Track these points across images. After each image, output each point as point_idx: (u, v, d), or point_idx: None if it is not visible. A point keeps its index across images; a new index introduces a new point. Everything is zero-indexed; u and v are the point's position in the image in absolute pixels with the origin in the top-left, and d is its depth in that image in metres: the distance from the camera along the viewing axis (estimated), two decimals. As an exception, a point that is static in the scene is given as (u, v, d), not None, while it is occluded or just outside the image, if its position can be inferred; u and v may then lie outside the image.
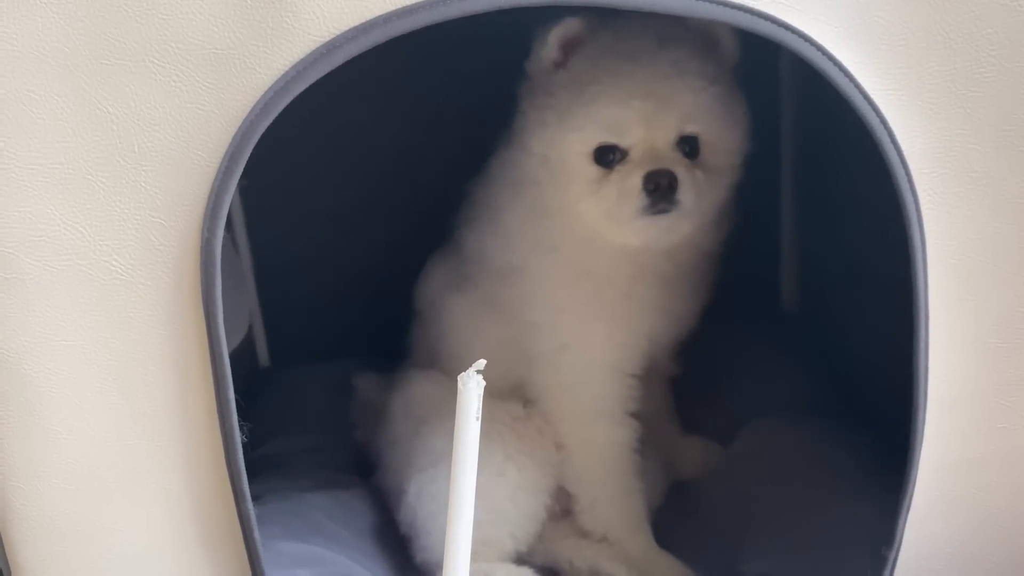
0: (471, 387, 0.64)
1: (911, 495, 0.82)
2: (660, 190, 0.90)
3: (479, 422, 0.65)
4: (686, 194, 0.91)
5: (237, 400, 0.80)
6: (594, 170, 0.93)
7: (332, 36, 0.73)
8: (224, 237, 1.22)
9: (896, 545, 0.83)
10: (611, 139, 0.92)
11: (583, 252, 1.00)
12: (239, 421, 0.81)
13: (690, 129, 0.92)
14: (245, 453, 1.36)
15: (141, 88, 0.74)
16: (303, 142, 1.43)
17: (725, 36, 0.93)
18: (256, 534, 0.83)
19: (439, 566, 0.88)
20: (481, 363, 0.65)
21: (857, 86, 0.75)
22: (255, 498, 1.20)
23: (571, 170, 0.94)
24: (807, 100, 1.23)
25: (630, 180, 0.91)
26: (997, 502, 0.85)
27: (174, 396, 0.80)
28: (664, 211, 0.91)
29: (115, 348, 0.79)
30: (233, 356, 1.20)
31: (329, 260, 1.53)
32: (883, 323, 0.98)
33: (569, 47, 0.93)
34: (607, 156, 0.92)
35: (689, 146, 0.93)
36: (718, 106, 0.92)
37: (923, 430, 0.80)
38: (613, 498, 1.08)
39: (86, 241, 0.77)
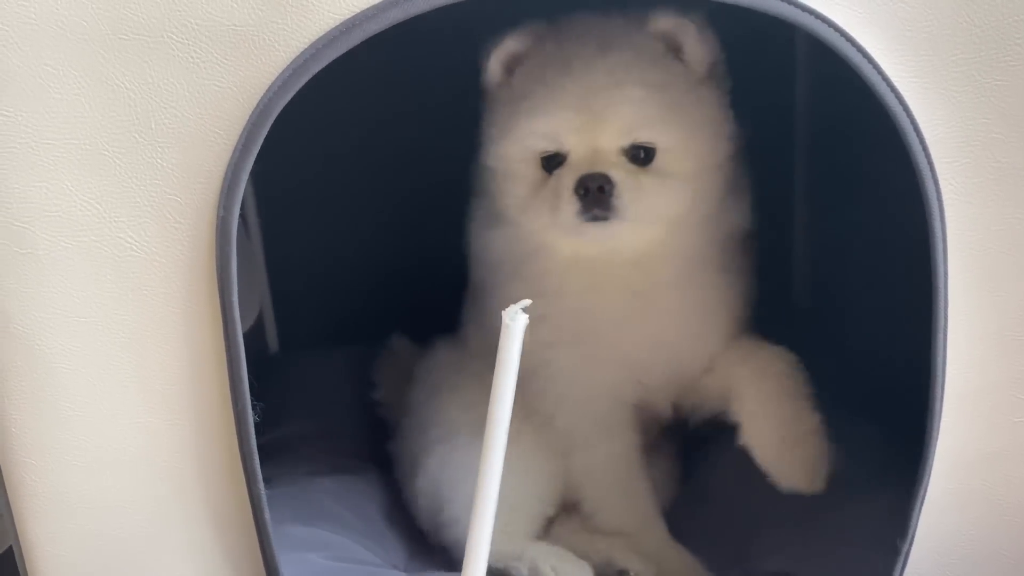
0: (516, 325, 0.61)
1: (926, 488, 0.81)
2: (591, 195, 0.88)
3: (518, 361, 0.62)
4: (624, 200, 0.88)
5: (250, 381, 0.79)
6: (534, 175, 0.93)
7: (352, 14, 0.73)
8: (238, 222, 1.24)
9: (909, 538, 0.83)
10: (550, 147, 0.92)
11: (537, 266, 0.99)
12: (252, 401, 0.80)
13: (641, 137, 0.90)
14: (256, 435, 1.38)
15: (159, 64, 0.74)
16: (316, 128, 1.43)
17: (690, 41, 0.92)
18: (267, 516, 0.82)
19: (460, 541, 0.89)
20: (526, 301, 0.62)
21: (880, 72, 0.74)
22: (264, 481, 1.22)
23: (513, 176, 0.95)
24: (823, 87, 1.22)
25: (565, 182, 0.90)
26: (1013, 496, 0.85)
27: (187, 374, 0.79)
28: (600, 218, 0.90)
29: (129, 325, 0.79)
30: (243, 341, 1.22)
31: (339, 246, 1.54)
32: (899, 315, 0.97)
33: (512, 63, 0.95)
34: (549, 162, 0.92)
35: (643, 152, 0.91)
36: (669, 113, 0.90)
37: (939, 423, 0.80)
38: (618, 502, 1.07)
39: (101, 217, 0.77)
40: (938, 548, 0.85)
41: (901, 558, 0.83)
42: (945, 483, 0.82)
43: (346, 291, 1.56)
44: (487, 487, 0.64)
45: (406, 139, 1.46)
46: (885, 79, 0.74)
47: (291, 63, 0.73)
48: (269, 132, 0.75)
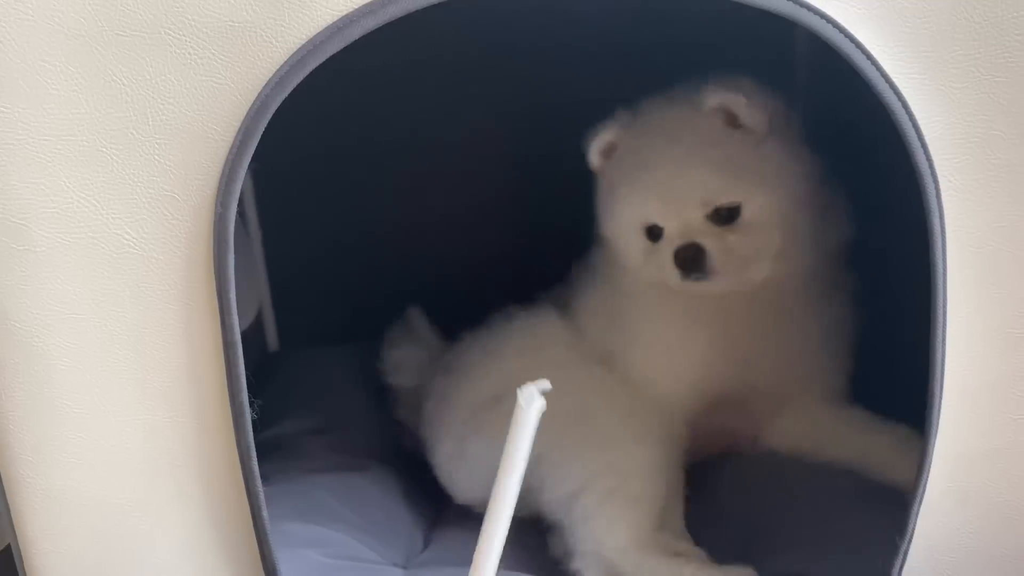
0: (531, 408, 0.60)
1: (924, 485, 0.81)
2: (688, 264, 1.02)
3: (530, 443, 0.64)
4: (718, 261, 1.02)
5: (248, 378, 0.79)
6: (643, 243, 1.08)
7: (349, 10, 0.72)
8: (235, 220, 1.23)
9: (908, 536, 0.82)
10: (649, 221, 1.06)
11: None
12: (250, 398, 0.80)
13: (721, 201, 1.02)
14: (254, 433, 1.37)
15: (156, 60, 0.73)
16: (315, 126, 1.42)
17: (743, 111, 1.02)
18: (265, 513, 0.82)
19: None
20: (545, 384, 0.63)
21: (879, 68, 0.74)
22: (263, 479, 1.21)
23: (625, 241, 1.10)
24: (822, 84, 1.22)
25: (663, 256, 1.04)
26: (1012, 494, 0.84)
27: (186, 372, 0.79)
28: (700, 278, 1.02)
29: (127, 322, 0.79)
30: (242, 340, 1.21)
31: (339, 244, 1.53)
32: (899, 313, 0.97)
33: (608, 151, 1.10)
34: (651, 232, 1.07)
35: (728, 212, 1.02)
36: (739, 177, 1.01)
37: (939, 420, 0.79)
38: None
39: (99, 214, 0.76)
40: (936, 546, 0.84)
41: (900, 556, 0.83)
42: (944, 481, 0.82)
43: (346, 289, 1.55)
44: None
45: (409, 136, 1.46)
46: (884, 76, 0.74)
47: (288, 59, 0.73)
48: (267, 127, 0.74)
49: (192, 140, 0.75)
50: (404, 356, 1.37)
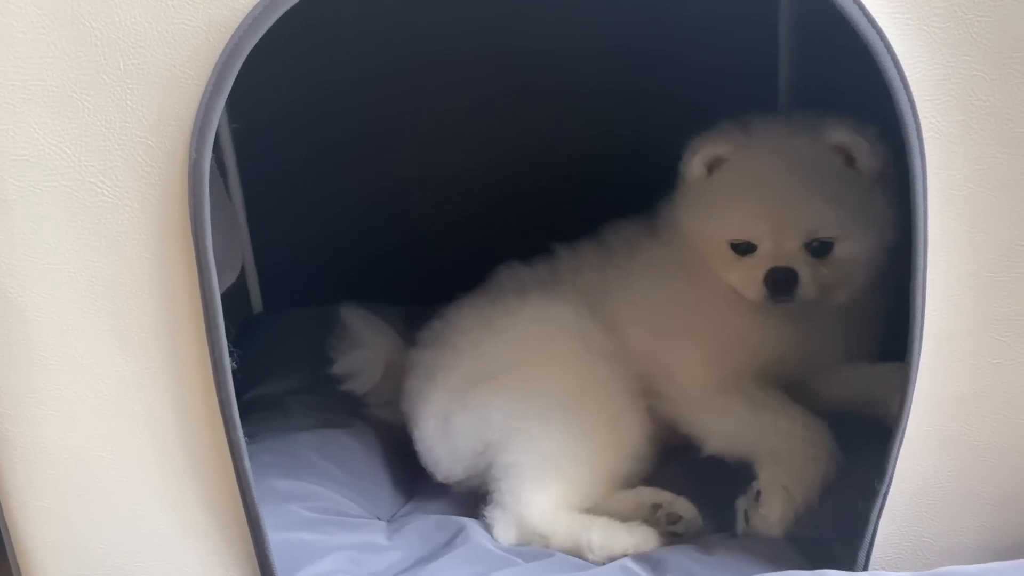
0: None
1: (904, 429, 0.79)
2: (778, 286, 1.03)
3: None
4: (805, 288, 1.03)
5: (227, 328, 0.76)
6: (729, 254, 1.08)
7: (323, -50, 0.69)
8: (216, 179, 1.19)
9: (887, 479, 0.81)
10: (740, 239, 1.06)
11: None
12: (230, 348, 0.77)
13: (822, 234, 1.03)
14: (237, 395, 1.34)
15: (126, 3, 0.70)
16: (296, 86, 1.39)
17: (863, 155, 1.03)
18: (246, 463, 0.80)
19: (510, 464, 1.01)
20: None
21: (862, 8, 0.71)
22: (248, 437, 1.18)
23: (711, 249, 1.09)
24: (806, 24, 1.19)
25: (754, 272, 1.05)
26: (990, 438, 0.83)
27: (162, 321, 0.76)
28: (783, 301, 1.04)
29: (102, 272, 0.76)
30: (226, 300, 1.18)
31: (322, 206, 1.50)
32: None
33: (713, 164, 1.09)
34: (740, 246, 1.07)
35: (820, 245, 1.04)
36: (846, 216, 1.03)
37: (918, 363, 0.78)
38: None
39: (71, 161, 0.73)
40: (916, 489, 0.83)
41: (879, 499, 0.82)
42: (925, 423, 0.80)
43: (331, 249, 1.52)
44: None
45: (392, 96, 1.42)
46: (867, 16, 0.72)
47: (260, 0, 0.70)
48: (248, 84, 0.71)
49: (164, 85, 0.71)
50: (352, 364, 1.29)
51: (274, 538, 0.94)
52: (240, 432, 0.79)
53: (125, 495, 0.81)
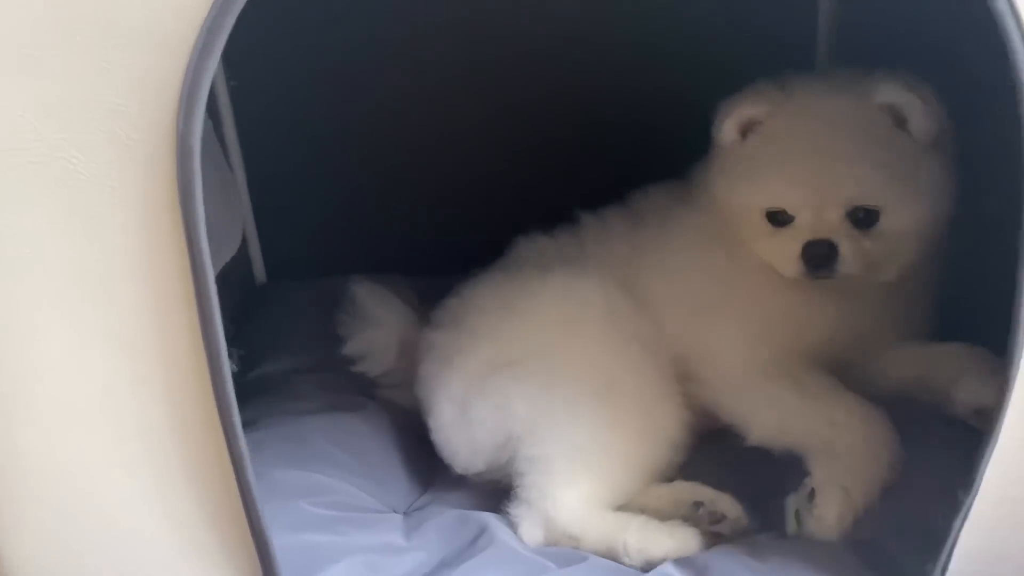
0: None
1: (998, 436, 0.69)
2: (817, 260, 0.93)
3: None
4: (847, 264, 0.93)
5: (226, 325, 0.66)
6: (765, 225, 0.98)
7: None
8: (212, 142, 1.09)
9: (974, 491, 0.71)
10: (776, 207, 0.96)
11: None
12: (229, 347, 0.67)
13: (865, 202, 0.93)
14: (239, 376, 1.25)
15: (100, -54, 0.59)
16: (300, 44, 1.27)
17: (916, 115, 0.93)
18: (250, 476, 0.70)
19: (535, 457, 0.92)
20: None
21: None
22: (249, 423, 1.09)
23: (739, 219, 1.00)
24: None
25: (791, 245, 0.95)
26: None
27: (152, 316, 0.66)
28: (823, 277, 0.94)
29: (83, 260, 0.65)
30: (227, 271, 1.08)
31: (329, 169, 1.38)
32: (982, 249, 0.87)
33: (747, 127, 0.99)
34: (776, 216, 0.97)
35: (865, 215, 0.94)
36: (894, 183, 0.93)
37: (1020, 364, 0.67)
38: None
39: (40, 134, 0.62)
40: (1000, 494, 0.73)
41: (962, 512, 0.72)
42: (1017, 430, 0.70)
43: (337, 216, 1.41)
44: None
45: (396, 62, 1.31)
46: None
47: (258, -57, 0.58)
48: (247, 42, 0.60)
49: (146, 44, 0.60)
50: (364, 344, 1.18)
51: (282, 542, 0.85)
52: (243, 441, 0.69)
53: (117, 510, 0.72)
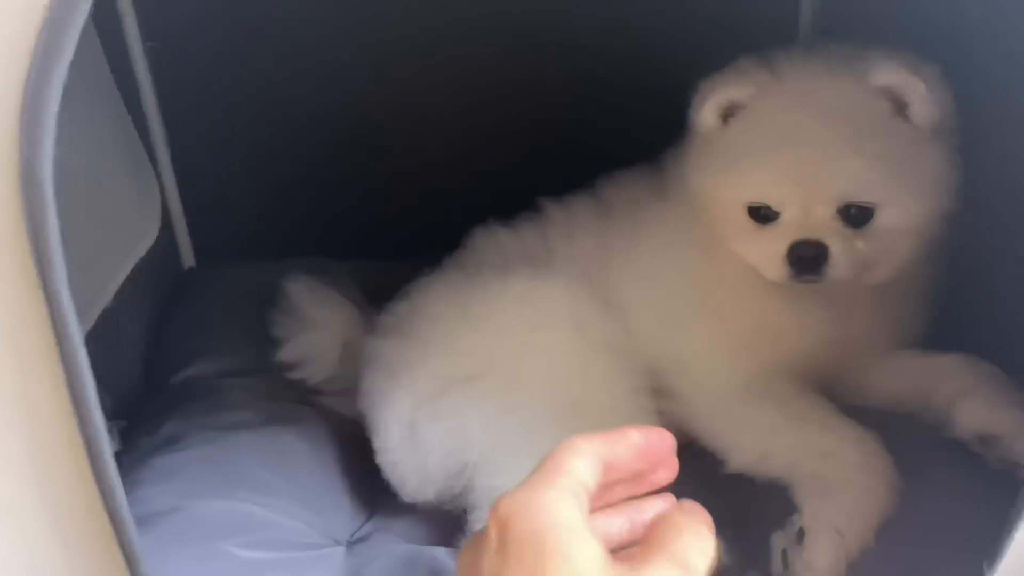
0: None
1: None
2: (803, 264, 0.83)
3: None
4: (836, 267, 0.83)
5: (105, 402, 0.52)
6: (746, 221, 0.87)
7: None
8: (120, 115, 0.94)
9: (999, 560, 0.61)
10: (760, 202, 0.86)
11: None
12: (109, 424, 0.53)
13: (859, 199, 0.83)
14: (164, 375, 1.11)
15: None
16: (228, 7, 1.12)
17: (917, 100, 0.82)
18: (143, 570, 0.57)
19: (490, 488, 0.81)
20: None
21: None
22: (171, 441, 0.97)
23: (725, 215, 0.89)
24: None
25: (775, 245, 0.85)
26: None
27: (11, 389, 0.52)
28: (810, 281, 0.84)
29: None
30: (151, 257, 0.94)
31: (262, 141, 1.23)
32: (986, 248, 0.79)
33: (729, 111, 0.89)
34: (759, 212, 0.86)
35: (858, 212, 0.83)
36: (892, 177, 0.83)
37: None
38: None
39: None
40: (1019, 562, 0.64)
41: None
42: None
43: (273, 194, 1.27)
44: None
45: (330, 32, 1.16)
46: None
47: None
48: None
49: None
50: (302, 349, 1.05)
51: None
52: (133, 532, 0.56)
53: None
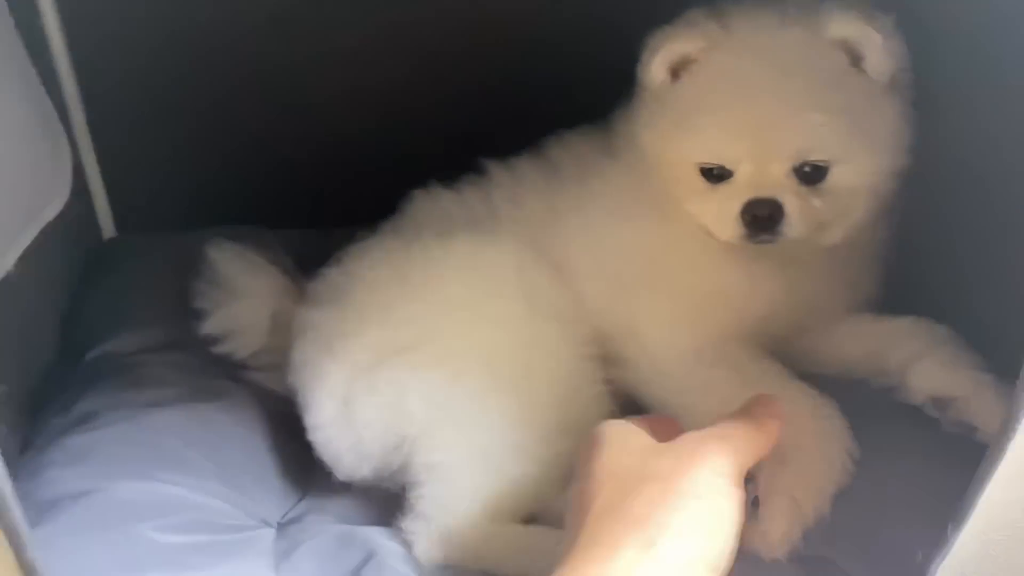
0: None
1: (1004, 455, 0.55)
2: (758, 223, 0.80)
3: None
4: (792, 225, 0.80)
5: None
6: (699, 181, 0.84)
7: None
8: (22, 66, 0.86)
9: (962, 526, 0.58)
10: (713, 162, 0.83)
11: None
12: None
13: (812, 158, 0.81)
14: (78, 356, 1.03)
15: None
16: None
17: (873, 52, 0.80)
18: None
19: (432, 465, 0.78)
20: None
21: None
22: (87, 418, 0.89)
23: (676, 175, 0.85)
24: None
25: (729, 204, 0.81)
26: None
27: None
28: (765, 241, 0.81)
29: None
30: (66, 225, 0.87)
31: (184, 106, 1.16)
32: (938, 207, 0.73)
33: (679, 66, 0.85)
34: (712, 171, 0.83)
35: (813, 170, 0.81)
36: (848, 133, 0.80)
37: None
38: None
39: None
40: (985, 523, 0.61)
41: (947, 546, 0.59)
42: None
43: (199, 159, 1.19)
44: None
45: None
46: None
47: None
48: None
49: None
50: (227, 321, 0.98)
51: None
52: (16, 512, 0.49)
53: None
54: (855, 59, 0.81)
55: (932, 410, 0.80)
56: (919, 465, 0.74)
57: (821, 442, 0.76)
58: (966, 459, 0.60)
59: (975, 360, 0.81)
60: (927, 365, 0.82)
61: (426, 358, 0.82)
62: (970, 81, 0.83)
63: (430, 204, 0.96)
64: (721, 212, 0.82)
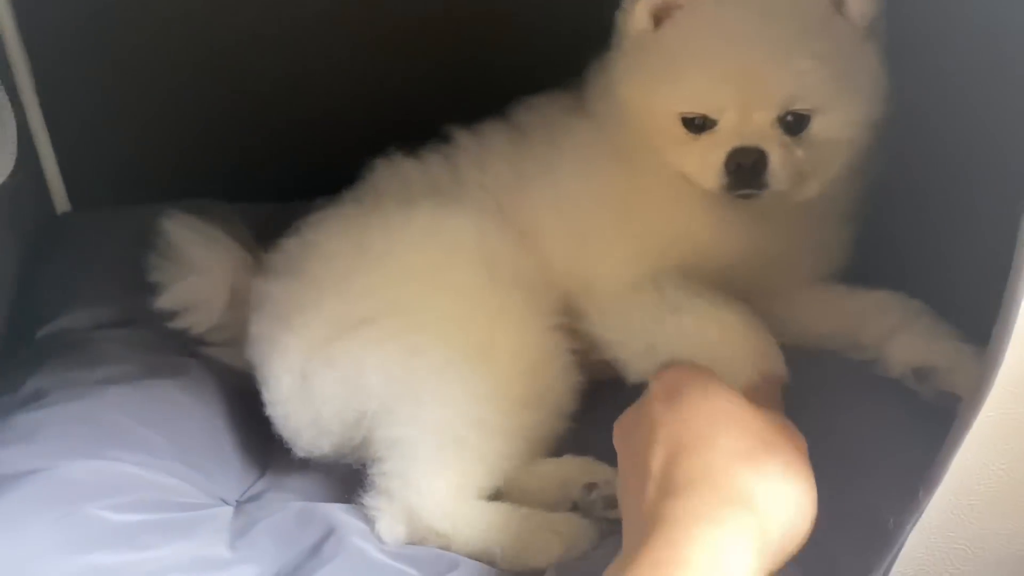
0: None
1: (972, 422, 0.54)
2: (743, 170, 0.78)
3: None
4: (776, 176, 0.78)
5: None
6: (680, 131, 0.82)
7: None
8: None
9: (932, 489, 0.56)
10: (696, 111, 0.80)
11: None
12: None
13: (795, 107, 0.79)
14: (29, 333, 0.99)
15: None
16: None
17: None
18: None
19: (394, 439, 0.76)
20: None
21: None
22: (36, 396, 0.86)
23: (658, 125, 0.83)
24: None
25: (713, 154, 0.79)
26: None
27: None
28: (746, 195, 0.79)
29: None
30: (16, 200, 0.83)
31: (139, 77, 1.12)
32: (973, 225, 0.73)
33: (662, 13, 0.82)
34: (694, 121, 0.81)
35: (796, 120, 0.79)
36: (830, 82, 0.78)
37: (1012, 332, 0.51)
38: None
39: None
40: (957, 486, 0.59)
41: (918, 511, 0.57)
42: (992, 409, 0.55)
43: (153, 131, 1.15)
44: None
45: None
46: None
47: None
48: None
49: None
50: (183, 295, 0.94)
51: (60, 569, 0.64)
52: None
53: None
54: (837, 3, 0.79)
55: (912, 382, 0.78)
56: (889, 431, 0.72)
57: (756, 360, 0.75)
58: (937, 425, 0.58)
59: (953, 331, 0.79)
60: (907, 337, 0.79)
61: (385, 331, 0.79)
62: (938, 36, 0.82)
63: (391, 172, 0.92)
64: (704, 162, 0.80)
